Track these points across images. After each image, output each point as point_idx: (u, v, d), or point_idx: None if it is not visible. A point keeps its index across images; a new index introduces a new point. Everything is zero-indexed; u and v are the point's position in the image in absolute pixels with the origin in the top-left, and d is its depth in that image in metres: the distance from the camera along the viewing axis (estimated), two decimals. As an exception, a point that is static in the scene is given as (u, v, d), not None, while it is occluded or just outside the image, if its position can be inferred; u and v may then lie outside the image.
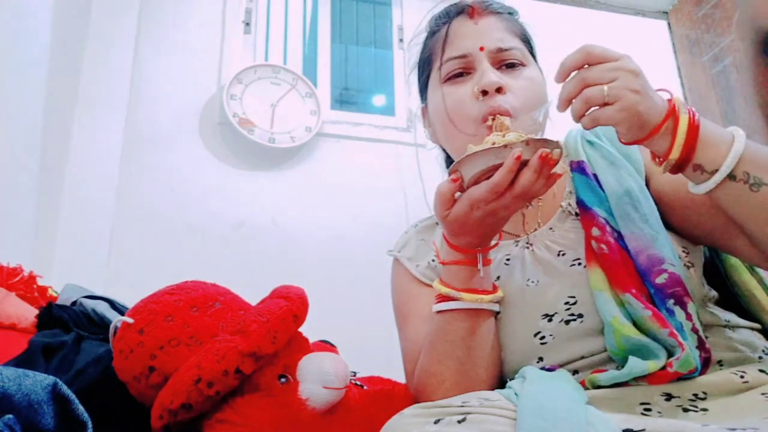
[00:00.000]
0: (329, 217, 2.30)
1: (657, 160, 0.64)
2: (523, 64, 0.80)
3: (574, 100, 0.61)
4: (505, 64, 0.79)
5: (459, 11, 0.83)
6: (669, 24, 3.12)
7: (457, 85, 0.79)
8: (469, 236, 0.67)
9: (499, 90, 0.75)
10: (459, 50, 0.80)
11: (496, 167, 0.60)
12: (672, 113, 0.60)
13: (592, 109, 0.60)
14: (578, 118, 0.61)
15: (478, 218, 0.64)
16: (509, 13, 0.85)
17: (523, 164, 0.60)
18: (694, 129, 0.59)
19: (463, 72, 0.80)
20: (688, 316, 0.64)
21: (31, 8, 1.66)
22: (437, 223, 0.90)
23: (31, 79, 1.67)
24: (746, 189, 0.59)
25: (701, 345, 0.63)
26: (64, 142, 2.02)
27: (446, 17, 0.84)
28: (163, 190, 2.17)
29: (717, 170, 0.59)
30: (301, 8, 2.64)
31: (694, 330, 0.63)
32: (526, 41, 0.85)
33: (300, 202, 2.31)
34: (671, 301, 0.65)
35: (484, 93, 0.75)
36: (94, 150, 2.09)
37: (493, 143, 0.62)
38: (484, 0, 0.84)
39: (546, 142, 0.61)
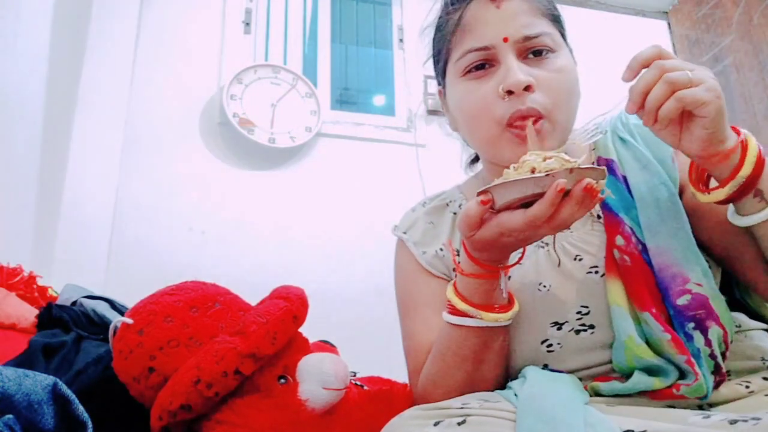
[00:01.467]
0: (329, 217, 2.30)
1: (703, 187, 0.61)
2: (552, 50, 0.71)
3: (655, 87, 0.55)
4: (532, 52, 0.70)
5: None
6: (669, 24, 3.12)
7: (479, 80, 0.71)
8: (493, 254, 0.62)
9: (527, 89, 0.67)
10: (480, 41, 0.70)
11: (535, 195, 0.55)
12: (738, 132, 0.58)
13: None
14: (657, 106, 0.55)
15: (506, 243, 0.59)
16: None
17: (563, 193, 0.54)
18: (761, 153, 0.57)
19: (485, 64, 0.71)
20: (708, 342, 0.61)
21: (31, 8, 1.65)
22: (447, 204, 0.86)
23: (31, 79, 1.67)
24: None
25: (717, 370, 0.61)
26: (64, 142, 2.02)
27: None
28: (163, 190, 2.17)
29: None
30: (301, 8, 2.64)
31: (712, 357, 0.61)
32: (556, 20, 0.75)
33: (300, 202, 2.30)
34: (691, 325, 0.61)
35: (510, 92, 0.67)
36: (94, 150, 2.09)
37: (533, 169, 0.56)
38: None
39: (591, 171, 0.54)
